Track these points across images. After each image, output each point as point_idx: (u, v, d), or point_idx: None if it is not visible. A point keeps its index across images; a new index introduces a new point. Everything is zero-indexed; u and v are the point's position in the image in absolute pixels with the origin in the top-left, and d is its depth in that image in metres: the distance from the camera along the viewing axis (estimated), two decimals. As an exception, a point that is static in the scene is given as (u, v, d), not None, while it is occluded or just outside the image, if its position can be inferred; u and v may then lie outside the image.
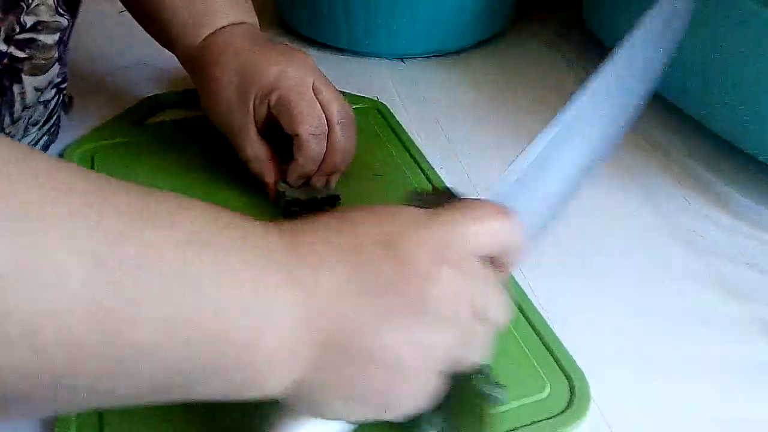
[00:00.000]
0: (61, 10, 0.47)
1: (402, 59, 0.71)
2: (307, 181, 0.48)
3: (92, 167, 0.52)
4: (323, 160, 0.47)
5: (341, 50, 0.71)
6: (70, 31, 0.49)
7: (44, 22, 0.45)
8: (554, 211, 0.34)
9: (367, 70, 0.69)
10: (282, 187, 0.48)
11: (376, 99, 0.62)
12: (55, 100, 0.52)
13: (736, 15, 0.49)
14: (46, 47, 0.45)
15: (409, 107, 0.63)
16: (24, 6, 0.43)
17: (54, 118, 0.53)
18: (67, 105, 0.57)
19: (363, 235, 0.27)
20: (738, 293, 0.44)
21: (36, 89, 0.46)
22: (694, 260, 0.47)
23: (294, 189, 0.48)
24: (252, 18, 0.51)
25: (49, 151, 0.53)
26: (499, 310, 0.29)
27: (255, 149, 0.47)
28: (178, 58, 0.51)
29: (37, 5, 0.44)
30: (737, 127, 0.53)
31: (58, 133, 0.54)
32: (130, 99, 0.61)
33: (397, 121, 0.59)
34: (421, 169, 0.53)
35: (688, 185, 0.54)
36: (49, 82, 0.48)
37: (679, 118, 0.60)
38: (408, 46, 0.69)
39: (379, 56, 0.70)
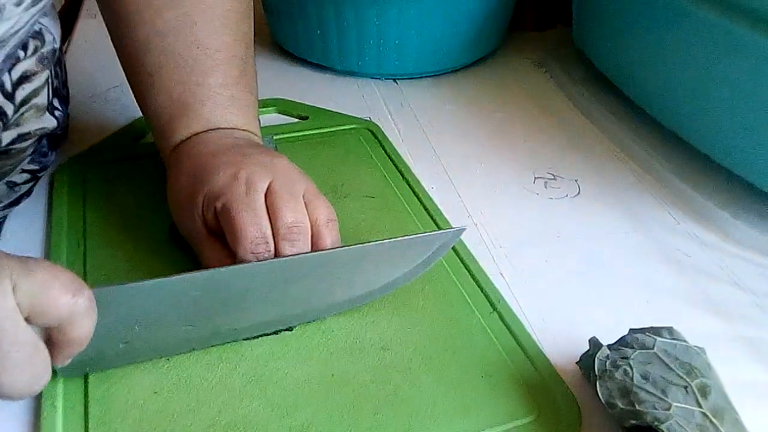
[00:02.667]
0: (54, 105, 0.47)
1: (394, 79, 0.71)
2: None
3: (83, 187, 0.52)
4: None
5: (333, 70, 0.72)
6: (66, 125, 0.48)
7: (25, 134, 0.44)
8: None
9: (359, 90, 0.69)
10: None
11: (368, 119, 0.63)
12: (28, 185, 0.50)
13: (722, 39, 0.50)
14: (21, 150, 0.45)
15: (400, 126, 0.64)
16: (1, 124, 0.42)
17: (22, 199, 0.51)
18: (62, 135, 0.57)
19: None
20: (723, 312, 0.45)
21: None
22: (680, 279, 0.47)
23: None
24: (245, 120, 0.47)
25: (42, 171, 0.53)
26: None
27: (210, 255, 0.41)
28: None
29: (22, 114, 0.44)
30: (725, 148, 0.54)
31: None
32: (122, 119, 0.61)
33: (389, 142, 0.60)
34: (413, 190, 0.53)
35: (673, 204, 0.55)
36: (15, 168, 0.47)
37: (663, 136, 0.61)
38: (399, 67, 0.70)
39: (370, 77, 0.71)
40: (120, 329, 0.36)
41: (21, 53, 0.44)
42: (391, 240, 0.41)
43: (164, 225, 0.47)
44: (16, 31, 0.39)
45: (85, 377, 0.37)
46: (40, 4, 0.37)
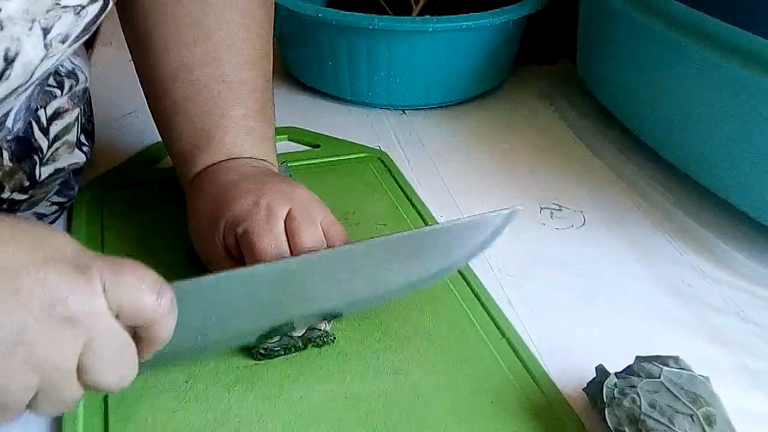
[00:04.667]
0: (82, 141, 0.48)
1: (403, 110, 0.73)
2: None
3: (101, 210, 0.53)
4: None
5: (344, 100, 0.73)
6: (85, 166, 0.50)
7: (60, 170, 0.46)
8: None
9: (369, 120, 0.71)
10: None
11: (378, 148, 0.65)
12: (54, 215, 0.52)
13: (720, 77, 0.52)
14: (52, 181, 0.47)
15: (409, 156, 0.65)
16: (37, 159, 0.44)
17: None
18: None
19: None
20: (726, 342, 0.46)
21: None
22: (683, 309, 0.49)
23: None
24: (264, 151, 0.48)
25: (68, 203, 0.54)
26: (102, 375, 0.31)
27: None
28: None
29: (57, 149, 0.46)
30: (727, 183, 0.55)
31: None
32: (138, 144, 0.63)
33: (399, 170, 0.61)
34: (422, 217, 0.55)
35: (676, 236, 0.56)
36: (45, 198, 0.48)
37: (666, 169, 0.62)
38: (408, 98, 0.72)
39: (380, 107, 0.73)
40: (197, 323, 0.37)
41: (57, 91, 0.46)
42: (448, 223, 0.42)
43: (182, 249, 0.48)
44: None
45: (105, 395, 0.38)
46: (81, 41, 0.39)
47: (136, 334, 0.32)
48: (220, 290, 0.37)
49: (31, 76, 0.37)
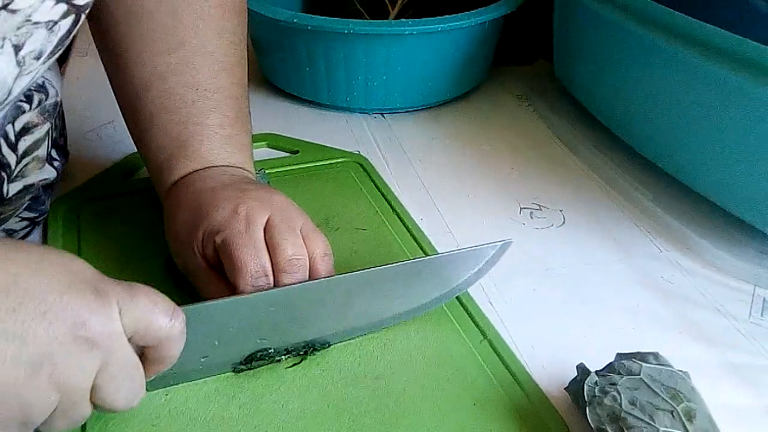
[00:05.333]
0: (53, 156, 0.48)
1: (381, 114, 0.73)
2: None
3: (78, 222, 0.53)
4: None
5: (322, 105, 0.73)
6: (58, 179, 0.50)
7: (29, 186, 0.46)
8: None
9: (347, 124, 0.71)
10: None
11: (357, 153, 0.64)
12: (25, 231, 0.51)
13: (694, 74, 0.52)
14: (20, 197, 0.46)
15: (389, 159, 0.65)
16: (5, 175, 0.44)
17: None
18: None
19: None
20: (706, 337, 0.46)
21: None
22: (664, 305, 0.49)
23: None
24: (241, 159, 0.48)
25: (39, 218, 0.54)
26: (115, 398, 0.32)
27: (210, 288, 0.42)
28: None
29: (25, 165, 0.45)
30: (705, 179, 0.56)
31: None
32: (116, 154, 0.62)
33: (378, 174, 0.61)
34: (403, 222, 0.55)
35: (656, 233, 0.56)
36: (13, 215, 0.48)
37: (644, 166, 0.63)
38: (387, 102, 0.72)
39: (359, 111, 0.73)
40: (201, 345, 0.38)
41: (26, 105, 0.45)
42: (444, 254, 0.43)
43: (160, 259, 0.48)
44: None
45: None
46: (56, 56, 0.39)
47: (144, 355, 0.34)
48: (223, 314, 0.38)
49: (8, 95, 0.37)
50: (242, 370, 0.41)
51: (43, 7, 0.35)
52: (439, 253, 0.43)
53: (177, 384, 0.40)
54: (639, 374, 0.36)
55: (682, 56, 0.53)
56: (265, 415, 0.38)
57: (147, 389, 0.35)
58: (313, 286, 0.41)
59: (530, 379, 0.42)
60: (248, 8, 0.69)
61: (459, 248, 0.44)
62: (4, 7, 0.33)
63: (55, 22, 0.36)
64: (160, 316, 0.33)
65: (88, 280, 0.32)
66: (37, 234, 0.52)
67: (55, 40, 0.37)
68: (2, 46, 0.35)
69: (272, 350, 0.41)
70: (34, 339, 0.29)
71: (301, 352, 0.42)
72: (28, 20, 0.35)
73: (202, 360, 0.39)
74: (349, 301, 0.42)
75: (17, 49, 0.35)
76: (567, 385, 0.39)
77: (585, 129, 0.70)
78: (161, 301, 0.34)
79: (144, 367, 0.34)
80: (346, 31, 0.65)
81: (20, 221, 0.50)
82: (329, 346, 0.43)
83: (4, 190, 0.44)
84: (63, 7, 0.36)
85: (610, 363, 0.38)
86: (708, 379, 0.41)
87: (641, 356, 0.38)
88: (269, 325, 0.40)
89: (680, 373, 0.37)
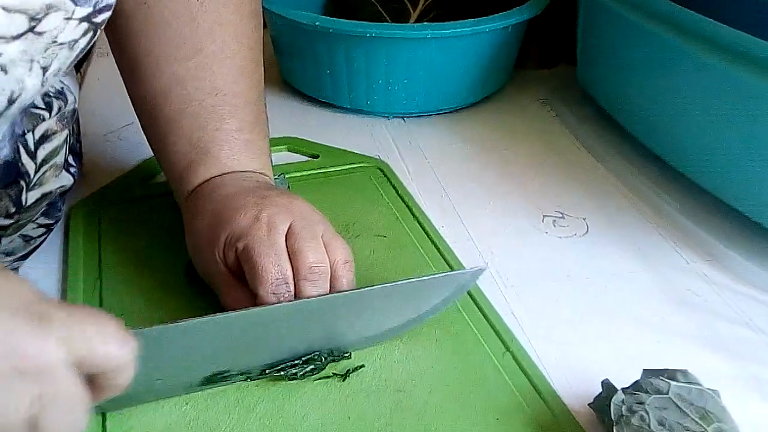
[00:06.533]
0: (69, 162, 0.48)
1: (402, 118, 0.72)
2: None
3: (99, 226, 0.53)
4: None
5: (343, 109, 0.73)
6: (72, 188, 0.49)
7: (47, 194, 0.46)
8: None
9: (368, 128, 0.71)
10: None
11: (377, 157, 0.64)
12: (42, 238, 0.51)
13: (720, 80, 0.51)
14: (37, 204, 0.46)
15: (409, 165, 0.64)
16: (24, 184, 0.44)
17: (36, 249, 0.51)
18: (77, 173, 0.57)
19: None
20: (735, 353, 0.45)
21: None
22: (690, 319, 0.48)
23: None
24: (260, 164, 0.48)
25: (55, 224, 0.54)
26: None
27: (231, 295, 0.42)
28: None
29: (44, 173, 0.45)
30: (732, 188, 0.55)
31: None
32: (135, 158, 0.62)
33: (399, 180, 0.60)
34: (423, 229, 0.54)
35: (682, 243, 0.55)
36: (30, 222, 0.48)
37: (670, 174, 0.61)
38: (407, 106, 0.71)
39: (379, 115, 0.72)
40: (154, 368, 0.37)
41: (45, 113, 0.45)
42: (413, 280, 0.41)
43: (180, 264, 0.48)
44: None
45: (103, 418, 0.38)
46: (71, 66, 0.39)
47: (93, 381, 0.31)
48: (177, 338, 0.37)
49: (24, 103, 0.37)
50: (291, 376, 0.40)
51: (68, 27, 0.35)
52: (409, 278, 0.41)
53: (124, 408, 0.38)
54: (667, 393, 0.35)
55: (709, 61, 0.52)
56: (284, 426, 0.38)
57: (96, 411, 0.32)
58: (264, 313, 0.39)
59: (553, 393, 0.41)
60: (270, 10, 0.69)
61: (433, 274, 0.43)
62: (31, 29, 0.34)
63: (76, 41, 0.37)
64: (109, 344, 0.29)
65: (27, 304, 0.28)
66: (58, 239, 0.52)
67: (74, 56, 0.38)
68: (31, 69, 0.35)
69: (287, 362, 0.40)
70: None
71: (311, 366, 0.41)
72: (54, 41, 0.35)
73: (158, 383, 0.37)
74: (306, 327, 0.40)
75: (45, 70, 0.36)
76: (591, 401, 0.39)
77: (608, 135, 0.69)
78: (111, 327, 0.30)
79: (91, 392, 0.30)
80: (367, 35, 0.65)
81: (37, 228, 0.49)
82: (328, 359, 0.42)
83: (23, 199, 0.44)
84: (84, 26, 0.36)
85: (637, 381, 0.37)
86: (736, 397, 0.40)
87: (669, 374, 0.37)
88: (225, 349, 0.39)
89: (710, 391, 0.36)
